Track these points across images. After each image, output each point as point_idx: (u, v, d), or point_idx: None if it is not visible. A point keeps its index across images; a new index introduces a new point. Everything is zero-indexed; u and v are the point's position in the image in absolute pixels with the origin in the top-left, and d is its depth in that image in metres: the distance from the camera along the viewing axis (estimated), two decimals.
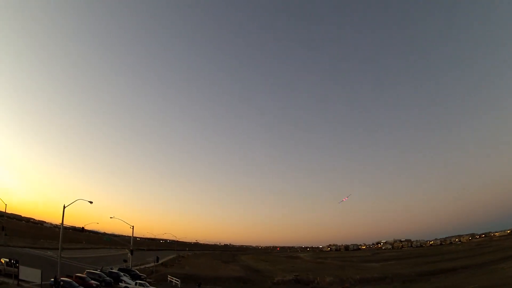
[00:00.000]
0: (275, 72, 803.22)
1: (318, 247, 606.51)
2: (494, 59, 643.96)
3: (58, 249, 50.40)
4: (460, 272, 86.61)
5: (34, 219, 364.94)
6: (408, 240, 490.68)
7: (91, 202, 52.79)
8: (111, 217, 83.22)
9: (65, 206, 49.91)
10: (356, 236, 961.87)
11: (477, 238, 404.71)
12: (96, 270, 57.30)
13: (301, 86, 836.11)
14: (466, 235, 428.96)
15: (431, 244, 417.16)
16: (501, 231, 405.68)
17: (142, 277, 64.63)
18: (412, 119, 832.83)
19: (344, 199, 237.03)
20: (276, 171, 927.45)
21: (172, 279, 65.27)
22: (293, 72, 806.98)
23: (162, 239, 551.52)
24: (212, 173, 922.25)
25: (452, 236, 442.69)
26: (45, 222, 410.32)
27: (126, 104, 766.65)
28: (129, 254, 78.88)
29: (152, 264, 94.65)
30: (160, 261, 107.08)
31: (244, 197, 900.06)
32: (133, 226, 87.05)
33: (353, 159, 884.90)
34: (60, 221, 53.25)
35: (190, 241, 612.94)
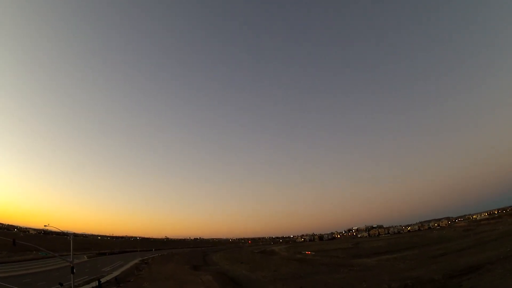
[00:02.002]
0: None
1: (290, 237, 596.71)
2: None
3: None
4: (491, 269, 69.22)
5: None
6: (380, 226, 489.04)
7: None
8: (45, 226, 67.07)
9: None
10: (327, 224, 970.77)
11: (455, 222, 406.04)
12: None
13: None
14: (442, 219, 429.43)
15: (409, 230, 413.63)
16: (477, 213, 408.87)
17: None
18: (380, 105, 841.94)
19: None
20: (243, 162, 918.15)
21: None
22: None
23: (132, 237, 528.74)
24: (179, 167, 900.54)
25: (428, 221, 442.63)
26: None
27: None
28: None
29: (104, 280, 72.26)
30: (114, 274, 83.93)
31: (212, 190, 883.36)
32: (72, 235, 63.24)
33: (321, 148, 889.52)
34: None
35: (160, 237, 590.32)
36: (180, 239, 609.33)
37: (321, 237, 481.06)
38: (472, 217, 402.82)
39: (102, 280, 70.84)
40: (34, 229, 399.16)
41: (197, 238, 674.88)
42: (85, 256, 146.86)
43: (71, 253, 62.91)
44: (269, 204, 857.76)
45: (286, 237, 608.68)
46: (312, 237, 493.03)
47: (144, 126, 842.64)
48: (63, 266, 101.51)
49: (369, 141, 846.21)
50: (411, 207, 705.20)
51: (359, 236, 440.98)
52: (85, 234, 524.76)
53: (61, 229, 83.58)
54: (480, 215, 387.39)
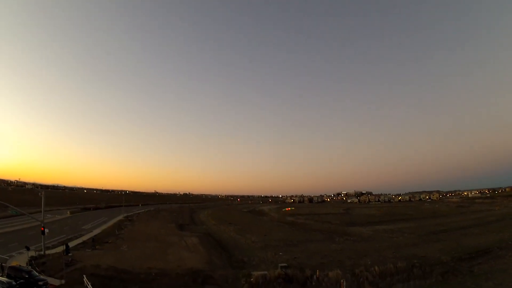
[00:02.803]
0: None
1: (279, 197, 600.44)
2: None
3: None
4: (501, 255, 63.20)
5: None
6: (369, 193, 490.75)
7: None
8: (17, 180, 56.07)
9: None
10: (316, 186, 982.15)
11: (446, 196, 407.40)
12: None
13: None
14: (433, 192, 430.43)
15: (400, 200, 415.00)
16: (467, 190, 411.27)
17: (40, 282, 34.90)
18: (377, 75, 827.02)
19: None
20: (237, 120, 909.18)
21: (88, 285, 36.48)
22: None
23: (121, 191, 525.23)
24: (171, 121, 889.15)
25: (418, 192, 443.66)
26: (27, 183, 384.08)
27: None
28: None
29: (81, 240, 65.38)
30: (94, 233, 77.15)
31: (204, 146, 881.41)
32: (43, 192, 55.06)
33: (317, 110, 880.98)
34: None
35: (150, 191, 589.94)
36: (170, 194, 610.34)
37: (310, 199, 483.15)
38: (463, 193, 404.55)
39: (79, 241, 63.98)
40: (30, 184, 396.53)
41: (186, 194, 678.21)
42: (68, 212, 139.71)
43: (42, 212, 55.25)
44: (259, 163, 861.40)
45: (275, 197, 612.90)
46: (301, 199, 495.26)
47: (138, 79, 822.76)
48: (21, 228, 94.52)
49: (361, 107, 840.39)
50: (401, 177, 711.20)
51: (349, 201, 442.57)
52: (73, 187, 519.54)
53: (40, 182, 75.61)
54: (471, 193, 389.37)
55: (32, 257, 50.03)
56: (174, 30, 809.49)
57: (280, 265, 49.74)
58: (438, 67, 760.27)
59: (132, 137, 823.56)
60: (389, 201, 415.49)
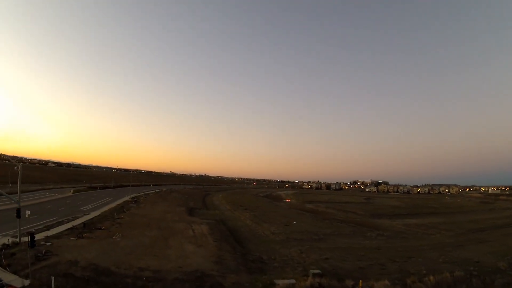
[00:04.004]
0: None
1: (295, 182, 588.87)
2: None
3: None
4: None
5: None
6: (386, 183, 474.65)
7: None
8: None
9: None
10: (331, 173, 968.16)
11: (466, 191, 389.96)
12: None
13: None
14: (451, 185, 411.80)
15: (418, 192, 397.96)
16: (484, 186, 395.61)
17: None
18: (399, 64, 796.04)
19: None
20: (255, 104, 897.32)
21: None
22: None
23: (136, 170, 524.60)
24: (190, 102, 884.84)
25: (435, 185, 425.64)
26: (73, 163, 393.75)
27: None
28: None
29: (70, 225, 55.72)
30: (90, 216, 67.62)
31: (222, 128, 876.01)
32: (19, 166, 44.62)
33: (336, 97, 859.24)
34: None
35: (165, 172, 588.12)
36: (186, 175, 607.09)
37: (328, 186, 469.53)
38: (481, 189, 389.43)
39: (68, 225, 54.24)
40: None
41: (202, 175, 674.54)
42: (71, 191, 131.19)
43: (18, 189, 45.00)
44: (276, 147, 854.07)
45: (291, 182, 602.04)
46: (319, 185, 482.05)
47: (154, 62, 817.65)
48: (39, 202, 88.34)
49: (381, 97, 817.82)
50: (417, 168, 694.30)
51: (367, 190, 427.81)
52: (90, 166, 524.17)
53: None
54: (488, 189, 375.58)
55: (3, 245, 40.45)
56: (195, 21, 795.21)
57: (311, 271, 38.36)
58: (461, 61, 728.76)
59: (151, 117, 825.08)
60: (408, 192, 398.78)
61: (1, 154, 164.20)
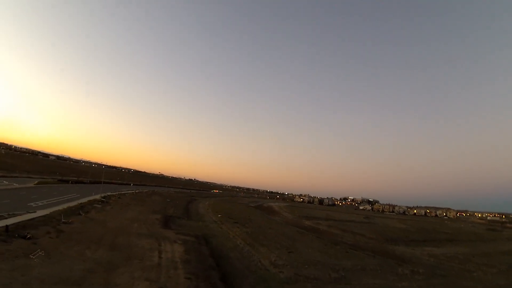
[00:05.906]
0: None
1: (285, 194, 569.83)
2: None
3: None
4: None
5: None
6: (376, 201, 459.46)
7: None
8: None
9: None
10: (321, 187, 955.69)
11: (463, 215, 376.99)
12: None
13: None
14: (447, 208, 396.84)
15: (415, 213, 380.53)
16: (477, 211, 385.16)
17: None
18: (396, 81, 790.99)
19: None
20: (248, 111, 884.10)
21: None
22: None
23: (125, 168, 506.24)
24: (183, 106, 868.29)
25: (426, 207, 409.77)
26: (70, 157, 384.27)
27: None
28: None
29: None
30: (31, 215, 47.90)
31: (213, 134, 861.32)
32: None
33: (327, 111, 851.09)
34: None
35: (154, 173, 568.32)
36: (174, 178, 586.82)
37: (321, 200, 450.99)
38: (475, 214, 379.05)
39: None
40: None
41: (191, 179, 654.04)
42: (35, 182, 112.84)
43: None
44: (268, 157, 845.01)
45: (281, 193, 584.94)
46: (311, 199, 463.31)
47: (149, 65, 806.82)
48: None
49: (373, 113, 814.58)
50: (407, 189, 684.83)
51: (361, 208, 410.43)
52: (80, 160, 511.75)
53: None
54: (482, 214, 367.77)
55: None
56: (189, 20, 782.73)
57: None
58: (459, 79, 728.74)
59: (143, 118, 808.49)
60: (403, 213, 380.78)
61: None
